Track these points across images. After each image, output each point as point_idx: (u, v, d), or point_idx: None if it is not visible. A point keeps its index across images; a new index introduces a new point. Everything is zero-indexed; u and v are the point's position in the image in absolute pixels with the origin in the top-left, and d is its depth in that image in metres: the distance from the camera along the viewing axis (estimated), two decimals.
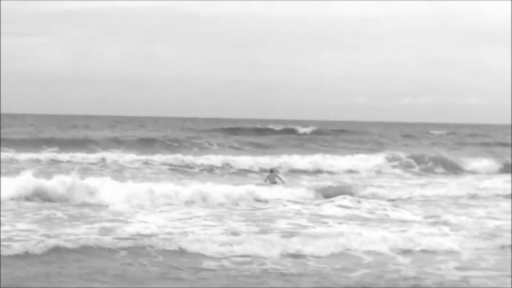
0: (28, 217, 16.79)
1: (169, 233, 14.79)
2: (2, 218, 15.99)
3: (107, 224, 15.85)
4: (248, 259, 12.65)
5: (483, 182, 27.38)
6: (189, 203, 19.99)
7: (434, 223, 16.91)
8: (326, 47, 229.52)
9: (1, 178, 20.09)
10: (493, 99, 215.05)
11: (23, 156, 31.81)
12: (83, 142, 39.74)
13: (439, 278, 11.67)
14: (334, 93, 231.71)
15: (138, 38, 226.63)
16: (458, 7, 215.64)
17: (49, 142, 39.09)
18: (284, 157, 34.00)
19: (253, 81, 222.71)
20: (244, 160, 32.78)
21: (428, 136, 70.25)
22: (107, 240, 13.63)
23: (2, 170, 25.50)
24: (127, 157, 32.18)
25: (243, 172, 30.86)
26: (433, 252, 13.68)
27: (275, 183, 24.68)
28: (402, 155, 35.49)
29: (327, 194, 21.95)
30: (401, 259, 13.10)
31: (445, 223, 16.87)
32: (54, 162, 31.45)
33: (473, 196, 22.94)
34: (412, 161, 34.77)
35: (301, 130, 67.14)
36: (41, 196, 19.60)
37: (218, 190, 21.17)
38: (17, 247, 12.44)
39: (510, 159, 36.05)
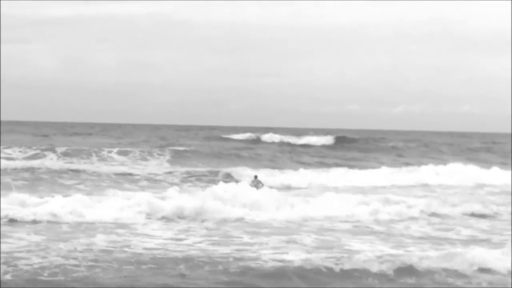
0: None
1: None
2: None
3: None
4: None
5: None
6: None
7: None
8: (320, 54, 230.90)
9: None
10: (488, 107, 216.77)
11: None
12: None
13: None
14: (327, 100, 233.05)
15: (132, 44, 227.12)
16: (453, 14, 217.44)
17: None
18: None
19: (247, 88, 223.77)
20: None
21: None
22: None
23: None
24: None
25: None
26: None
27: (257, 187, 25.88)
28: None
29: None
30: None
31: None
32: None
33: None
34: None
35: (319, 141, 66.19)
36: None
37: None
38: None
39: None
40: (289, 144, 63.79)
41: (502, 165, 41.81)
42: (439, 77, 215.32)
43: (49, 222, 18.44)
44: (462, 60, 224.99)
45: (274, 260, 13.79)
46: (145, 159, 39.60)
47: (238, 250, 15.27)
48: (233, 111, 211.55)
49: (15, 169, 31.41)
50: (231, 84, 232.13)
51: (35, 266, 12.67)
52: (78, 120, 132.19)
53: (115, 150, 41.70)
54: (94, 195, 23.51)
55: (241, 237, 17.09)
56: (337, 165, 40.54)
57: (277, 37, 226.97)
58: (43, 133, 68.39)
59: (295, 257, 14.06)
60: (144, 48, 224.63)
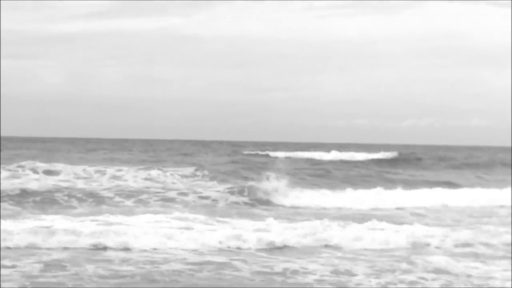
0: None
1: None
2: None
3: None
4: None
5: None
6: None
7: None
8: (327, 68, 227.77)
9: None
10: (495, 121, 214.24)
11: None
12: None
13: None
14: (334, 115, 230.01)
15: (138, 60, 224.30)
16: (459, 28, 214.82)
17: None
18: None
19: (254, 103, 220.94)
20: None
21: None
22: None
23: None
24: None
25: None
26: None
27: None
28: None
29: None
30: None
31: None
32: None
33: None
34: None
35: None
36: None
37: None
38: None
39: None
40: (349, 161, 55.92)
41: None
42: (446, 91, 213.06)
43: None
44: (469, 74, 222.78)
45: None
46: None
47: None
48: (240, 126, 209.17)
49: None
50: (238, 98, 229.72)
51: None
52: (82, 136, 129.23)
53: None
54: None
55: None
56: (446, 184, 34.26)
57: (284, 52, 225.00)
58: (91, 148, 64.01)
59: None
60: (152, 63, 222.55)
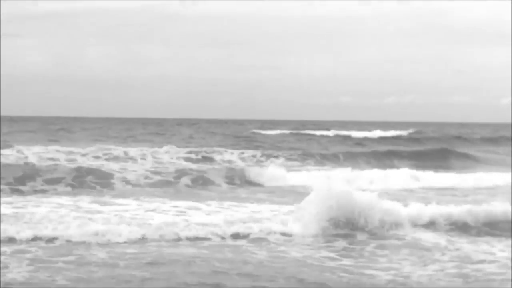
0: None
1: None
2: None
3: None
4: None
5: None
6: None
7: None
8: (311, 46, 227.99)
9: None
10: (478, 97, 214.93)
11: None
12: None
13: None
14: (319, 92, 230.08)
15: (123, 38, 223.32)
16: (443, 6, 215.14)
17: None
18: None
19: (238, 81, 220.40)
20: None
21: None
22: None
23: None
24: None
25: None
26: None
27: None
28: None
29: None
30: None
31: None
32: None
33: None
34: None
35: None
36: None
37: None
38: None
39: None
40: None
41: None
42: (428, 68, 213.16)
43: None
44: (452, 52, 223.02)
45: None
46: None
47: None
48: (223, 104, 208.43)
49: None
50: (223, 76, 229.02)
51: None
52: (70, 115, 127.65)
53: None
54: None
55: None
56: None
57: (270, 30, 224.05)
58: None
59: None
60: (137, 42, 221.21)
